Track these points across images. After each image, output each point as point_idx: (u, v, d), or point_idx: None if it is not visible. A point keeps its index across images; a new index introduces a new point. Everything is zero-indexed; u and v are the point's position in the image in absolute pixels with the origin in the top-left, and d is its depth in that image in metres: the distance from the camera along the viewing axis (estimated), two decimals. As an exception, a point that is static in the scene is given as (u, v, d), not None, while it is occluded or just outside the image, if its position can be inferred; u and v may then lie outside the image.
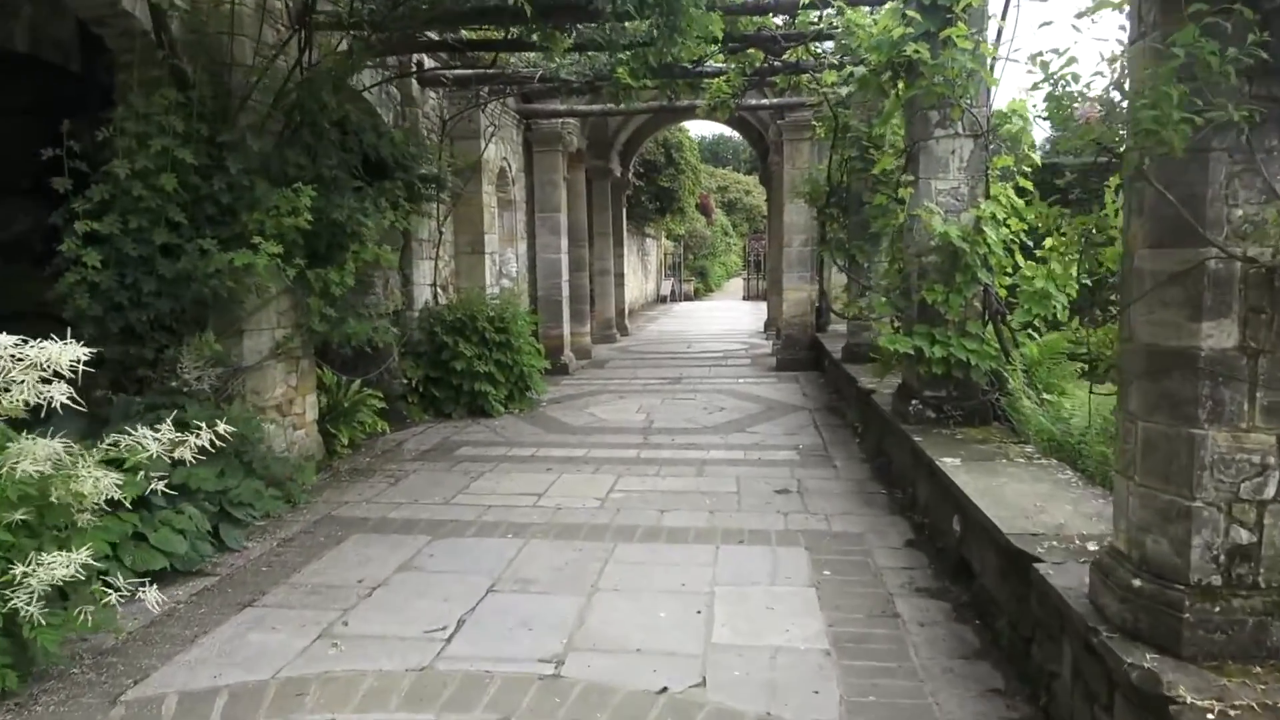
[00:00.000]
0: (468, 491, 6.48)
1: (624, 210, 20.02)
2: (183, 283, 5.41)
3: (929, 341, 5.67)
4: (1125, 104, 2.62)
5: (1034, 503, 3.98)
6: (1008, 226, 5.75)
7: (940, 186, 5.79)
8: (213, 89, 5.70)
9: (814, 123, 11.43)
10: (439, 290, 10.41)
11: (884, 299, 6.09)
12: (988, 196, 5.76)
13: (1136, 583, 2.54)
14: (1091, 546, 3.33)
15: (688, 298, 38.40)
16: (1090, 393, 4.23)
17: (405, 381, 9.46)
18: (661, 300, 35.48)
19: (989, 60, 5.60)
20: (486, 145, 10.78)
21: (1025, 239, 5.86)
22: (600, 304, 18.34)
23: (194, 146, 5.45)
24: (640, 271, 30.78)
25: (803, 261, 12.74)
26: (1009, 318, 5.70)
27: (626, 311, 21.02)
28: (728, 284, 47.69)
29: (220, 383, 5.82)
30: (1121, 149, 2.68)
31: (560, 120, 12.78)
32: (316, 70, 6.06)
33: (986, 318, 5.81)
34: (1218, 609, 2.40)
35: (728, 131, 55.98)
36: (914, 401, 5.87)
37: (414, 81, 9.73)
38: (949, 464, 4.76)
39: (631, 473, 6.96)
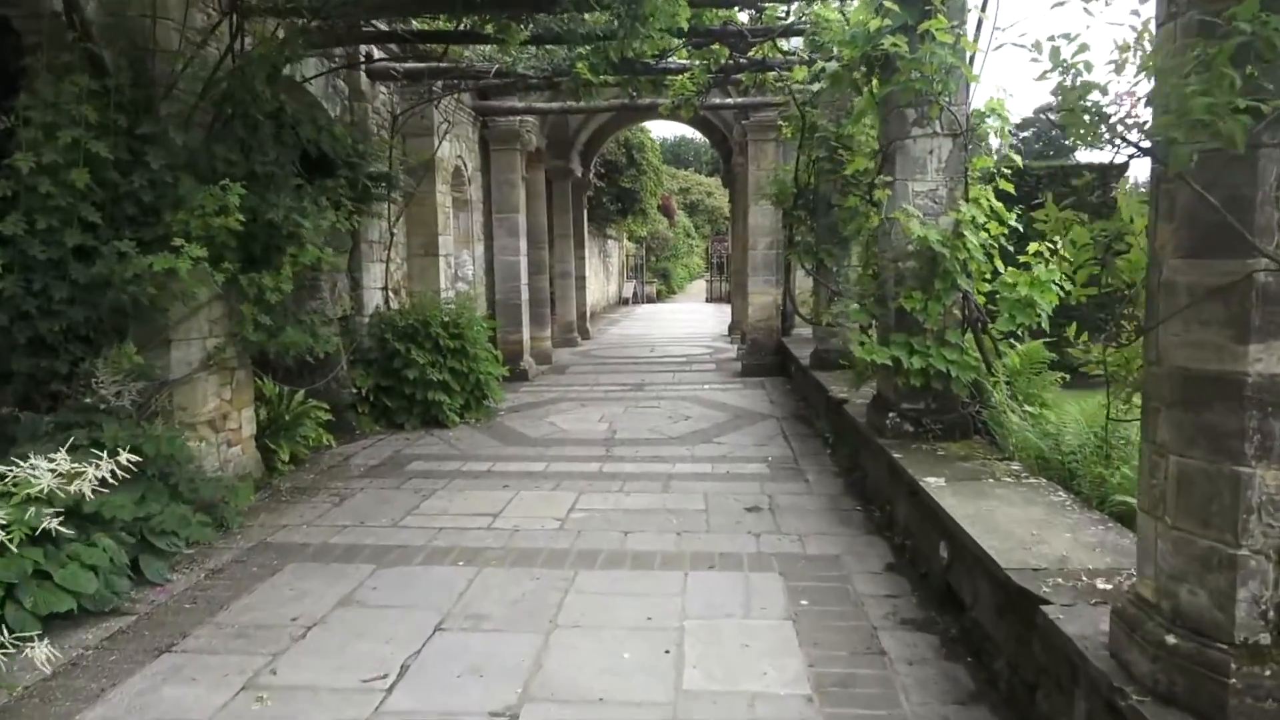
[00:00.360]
0: (418, 512, 6.04)
1: (585, 211, 19.62)
2: (99, 289, 4.91)
3: (907, 351, 5.38)
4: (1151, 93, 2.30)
5: (1030, 530, 3.68)
6: (986, 231, 5.48)
7: (918, 188, 5.49)
8: (133, 77, 5.20)
9: (780, 122, 11.15)
10: (390, 294, 9.93)
11: (858, 306, 5.78)
12: (967, 199, 5.48)
13: (1171, 639, 2.22)
14: (1101, 584, 3.02)
15: (650, 300, 38.09)
16: (1108, 415, 3.92)
17: (355, 391, 8.97)
18: (624, 302, 35.11)
19: (969, 55, 5.32)
20: (440, 143, 10.32)
21: (1006, 243, 5.60)
22: (561, 307, 17.93)
23: (110, 139, 4.96)
24: (602, 274, 30.38)
25: (768, 265, 12.46)
26: (990, 326, 5.42)
27: (588, 314, 20.62)
28: (690, 286, 47.49)
29: (143, 398, 5.32)
30: (1145, 144, 2.37)
31: (518, 118, 12.35)
32: (249, 58, 5.58)
33: (966, 326, 5.53)
34: (1268, 673, 2.09)
35: (690, 133, 55.80)
36: (891, 414, 5.57)
37: (363, 75, 9.25)
38: (933, 484, 4.46)
39: (594, 489, 6.57)
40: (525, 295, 12.97)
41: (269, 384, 7.35)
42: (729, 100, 12.09)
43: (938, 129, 5.43)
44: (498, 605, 4.40)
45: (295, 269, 5.86)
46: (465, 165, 11.78)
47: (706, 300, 37.49)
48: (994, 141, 6.21)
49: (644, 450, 7.89)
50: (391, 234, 9.77)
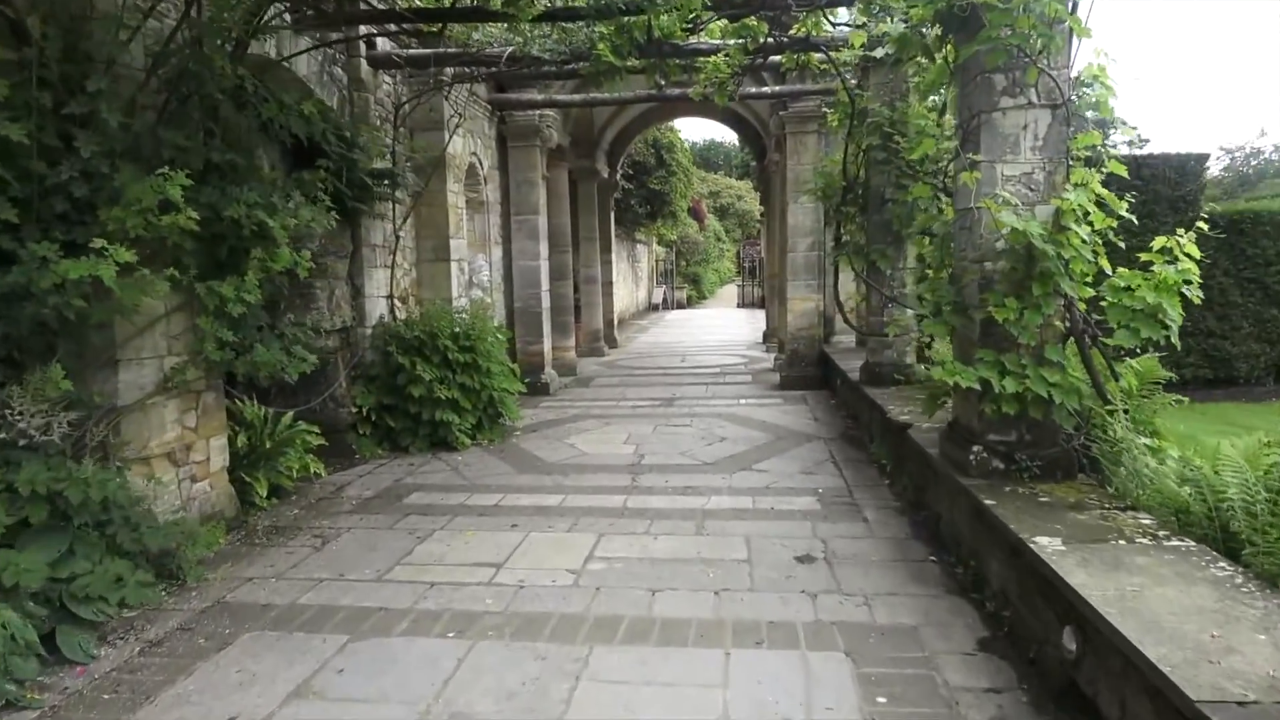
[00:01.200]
0: (409, 561, 5.14)
1: (611, 214, 18.74)
2: (17, 301, 4.08)
3: (998, 372, 4.38)
4: None
5: (1204, 627, 2.68)
6: (1089, 224, 4.47)
7: (1008, 172, 4.49)
8: (63, 48, 4.36)
9: (825, 109, 10.19)
10: (397, 303, 9.08)
11: (932, 314, 4.79)
12: (1070, 184, 4.47)
13: None
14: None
15: (680, 305, 37.11)
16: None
17: (355, 410, 8.12)
18: (653, 309, 34.20)
19: (1072, 2, 4.32)
20: (451, 137, 9.47)
21: (1115, 238, 4.58)
22: (587, 315, 17.05)
23: (32, 121, 4.12)
24: (630, 279, 29.50)
25: (809, 268, 11.46)
26: (1101, 340, 4.40)
27: (615, 322, 19.72)
28: (721, 291, 46.48)
29: (78, 430, 4.48)
30: None
31: (537, 112, 11.48)
32: (207, 27, 4.73)
33: (1070, 340, 4.52)
34: None
35: (720, 135, 55.09)
36: (975, 448, 4.57)
37: (363, 62, 8.42)
38: (1047, 547, 3.46)
39: (616, 530, 5.64)
40: (546, 303, 12.08)
41: (250, 406, 6.51)
42: (766, 89, 11.11)
43: (1033, 98, 4.43)
44: (489, 699, 3.47)
45: (263, 275, 4.98)
46: (480, 163, 10.93)
47: (738, 305, 36.46)
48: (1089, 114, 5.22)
49: (674, 479, 6.93)
50: (397, 237, 8.93)
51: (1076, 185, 4.45)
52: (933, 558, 4.95)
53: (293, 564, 5.12)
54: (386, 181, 8.37)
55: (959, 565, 4.66)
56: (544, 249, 12.00)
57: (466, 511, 6.18)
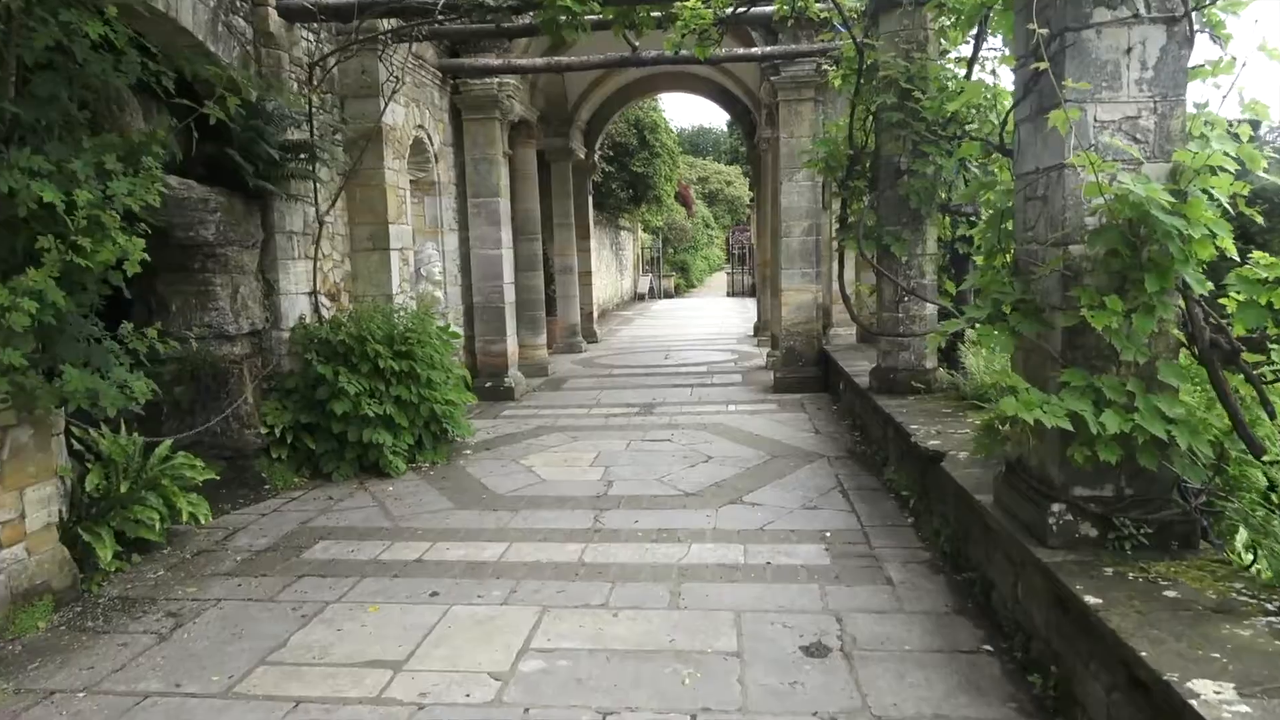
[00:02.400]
0: (278, 658, 3.80)
1: (590, 198, 17.34)
2: None
3: (1092, 403, 3.05)
4: None
5: None
6: (1208, 193, 3.14)
7: (1104, 115, 3.16)
8: None
9: (825, 67, 8.85)
10: (324, 300, 7.71)
11: (988, 319, 3.46)
12: (1190, 132, 3.14)
13: None
14: None
15: (668, 295, 35.73)
16: None
17: (266, 431, 6.76)
18: (639, 298, 32.82)
19: None
20: (387, 104, 8.07)
21: (1244, 208, 3.26)
22: (562, 308, 15.68)
23: None
24: (614, 268, 28.12)
25: (806, 255, 10.12)
26: (1244, 356, 3.08)
27: (595, 315, 18.35)
28: (710, 279, 45.15)
29: None
30: None
31: (496, 80, 10.07)
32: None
33: (1192, 355, 3.20)
34: None
35: (708, 121, 53.81)
36: (1056, 506, 3.25)
37: (272, 12, 7.01)
38: (1213, 696, 2.15)
39: (566, 600, 4.31)
40: (510, 296, 10.70)
41: (109, 437, 5.14)
42: (755, 50, 9.75)
43: (1140, 8, 3.10)
44: None
45: (56, 272, 3.59)
46: (430, 138, 9.53)
47: (727, 294, 35.11)
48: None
49: (647, 519, 5.60)
50: (321, 223, 7.54)
51: (1198, 135, 3.12)
52: (987, 647, 3.64)
53: (120, 664, 3.77)
54: (303, 156, 6.99)
55: (1034, 672, 3.34)
56: (507, 236, 10.62)
57: (379, 570, 4.83)
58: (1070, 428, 3.03)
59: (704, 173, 45.79)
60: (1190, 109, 3.23)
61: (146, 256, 3.92)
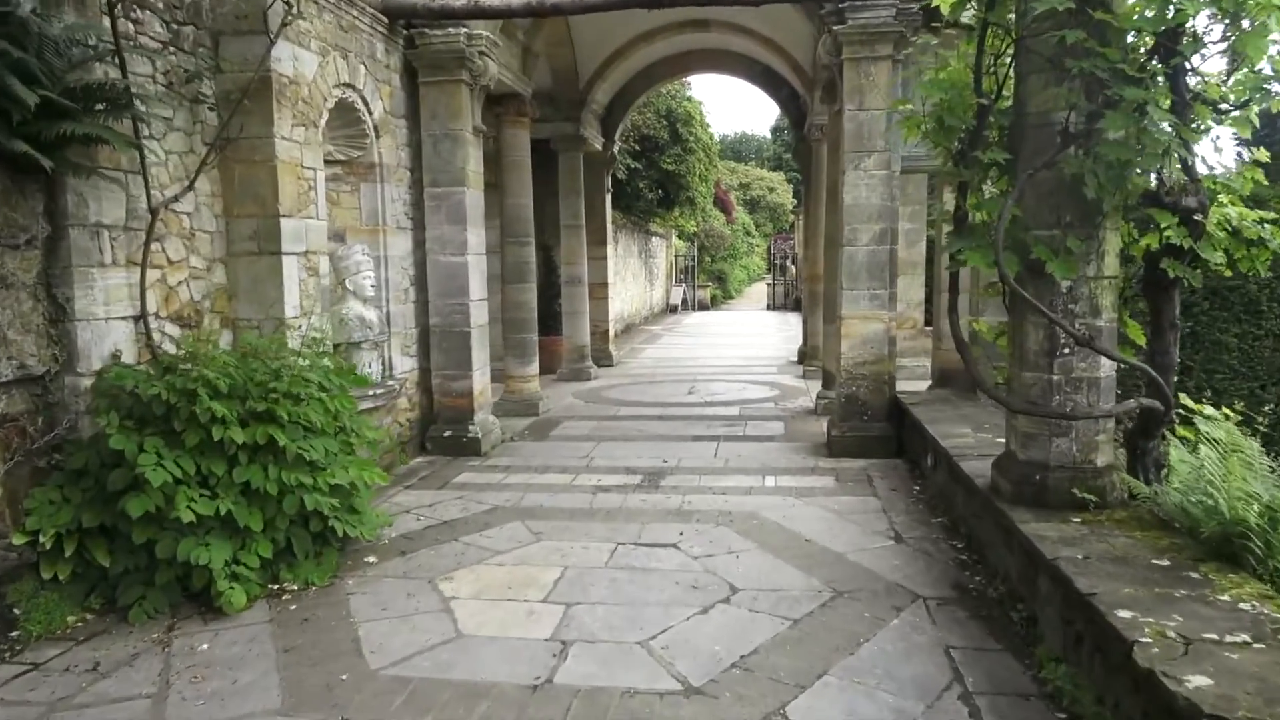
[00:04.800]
0: None
1: (608, 196, 14.75)
2: None
3: None
4: None
5: None
6: None
7: None
8: None
9: (905, 15, 6.20)
10: (168, 328, 5.22)
11: None
12: None
13: None
14: None
15: (703, 306, 33.00)
16: None
17: (24, 538, 4.25)
18: (671, 310, 30.18)
19: None
20: (275, 40, 5.55)
21: None
22: (569, 326, 13.14)
23: None
24: (643, 277, 25.53)
25: (877, 270, 7.42)
26: None
27: (612, 333, 15.74)
28: (749, 290, 42.37)
29: None
30: None
31: (463, 31, 7.52)
32: None
33: None
34: None
35: (749, 128, 51.43)
36: None
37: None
38: None
39: None
40: (478, 318, 8.13)
41: None
42: (813, -13, 7.11)
43: None
44: None
45: None
46: (366, 104, 7.02)
47: (767, 307, 32.33)
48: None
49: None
50: (155, 213, 5.02)
51: None
52: None
53: None
54: (102, 106, 4.49)
55: None
56: (475, 238, 8.06)
57: None
58: None
59: (745, 179, 43.25)
60: None
61: None
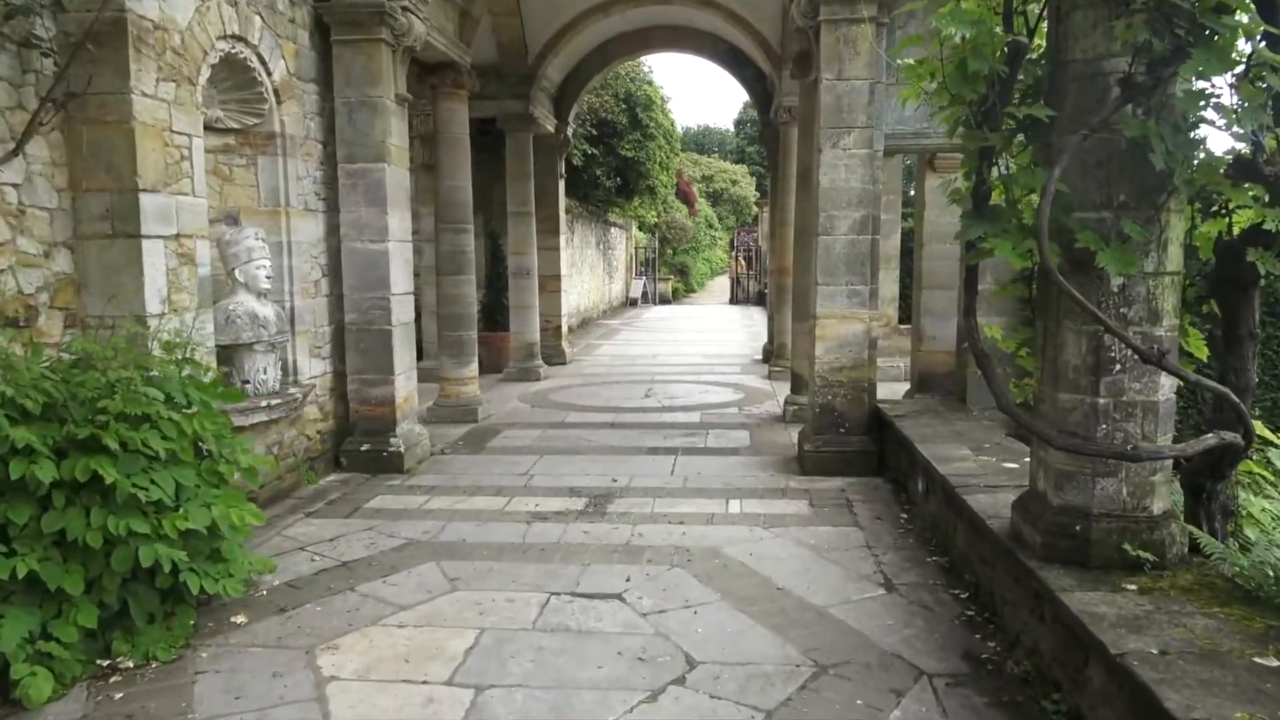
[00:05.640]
0: None
1: (561, 182, 13.72)
2: None
3: None
4: None
5: None
6: None
7: None
8: None
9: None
10: (-19, 329, 4.13)
11: None
12: None
13: None
14: None
15: (664, 300, 32.08)
16: None
17: None
18: (631, 304, 29.22)
19: None
20: (124, -26, 4.48)
21: None
22: (517, 321, 12.11)
23: None
24: (601, 269, 24.54)
25: (856, 263, 6.54)
26: None
27: (566, 329, 14.73)
28: (712, 283, 41.61)
29: None
30: None
31: (382, -21, 6.47)
32: None
33: None
34: None
35: (713, 122, 50.89)
36: None
37: None
38: None
39: None
40: (402, 314, 7.09)
41: None
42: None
43: None
44: None
45: None
46: (264, 62, 5.94)
47: (730, 301, 31.54)
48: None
49: None
50: (-42, 181, 3.93)
51: None
52: None
53: None
54: None
55: None
56: (398, 223, 7.01)
57: None
58: None
59: (708, 171, 42.40)
60: None
61: None
